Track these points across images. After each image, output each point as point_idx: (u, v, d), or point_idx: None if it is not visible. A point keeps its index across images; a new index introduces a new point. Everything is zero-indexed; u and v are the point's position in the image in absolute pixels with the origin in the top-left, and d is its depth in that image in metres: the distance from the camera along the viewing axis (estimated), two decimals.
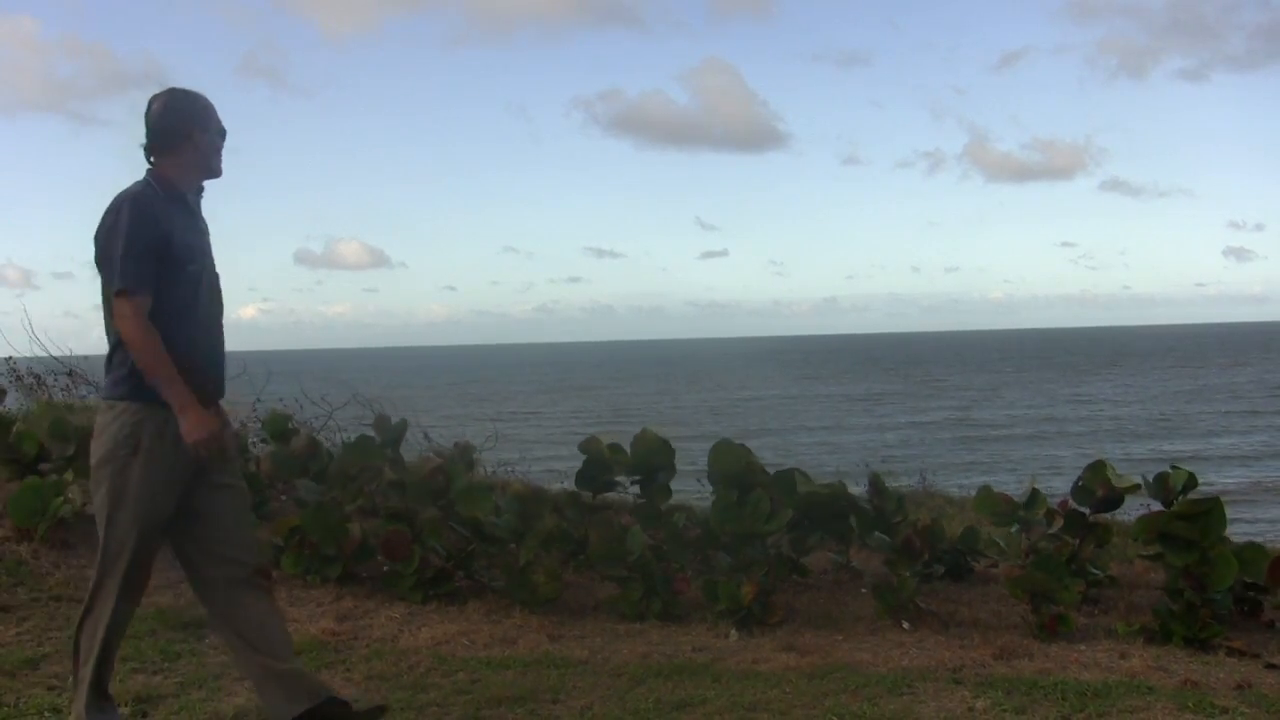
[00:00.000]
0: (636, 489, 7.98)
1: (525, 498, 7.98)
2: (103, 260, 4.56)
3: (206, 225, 4.85)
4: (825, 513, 7.51)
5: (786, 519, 7.23)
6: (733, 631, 6.73)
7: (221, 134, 4.82)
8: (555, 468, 13.78)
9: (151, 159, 4.73)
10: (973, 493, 9.18)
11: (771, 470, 7.56)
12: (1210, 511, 6.92)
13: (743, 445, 7.53)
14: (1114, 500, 7.56)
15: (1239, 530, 7.59)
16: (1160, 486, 7.45)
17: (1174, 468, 7.56)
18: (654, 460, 7.78)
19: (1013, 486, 8.68)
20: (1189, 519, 6.91)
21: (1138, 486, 7.49)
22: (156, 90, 4.76)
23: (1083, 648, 6.49)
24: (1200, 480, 7.46)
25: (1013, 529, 7.98)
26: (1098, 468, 7.60)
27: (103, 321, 4.68)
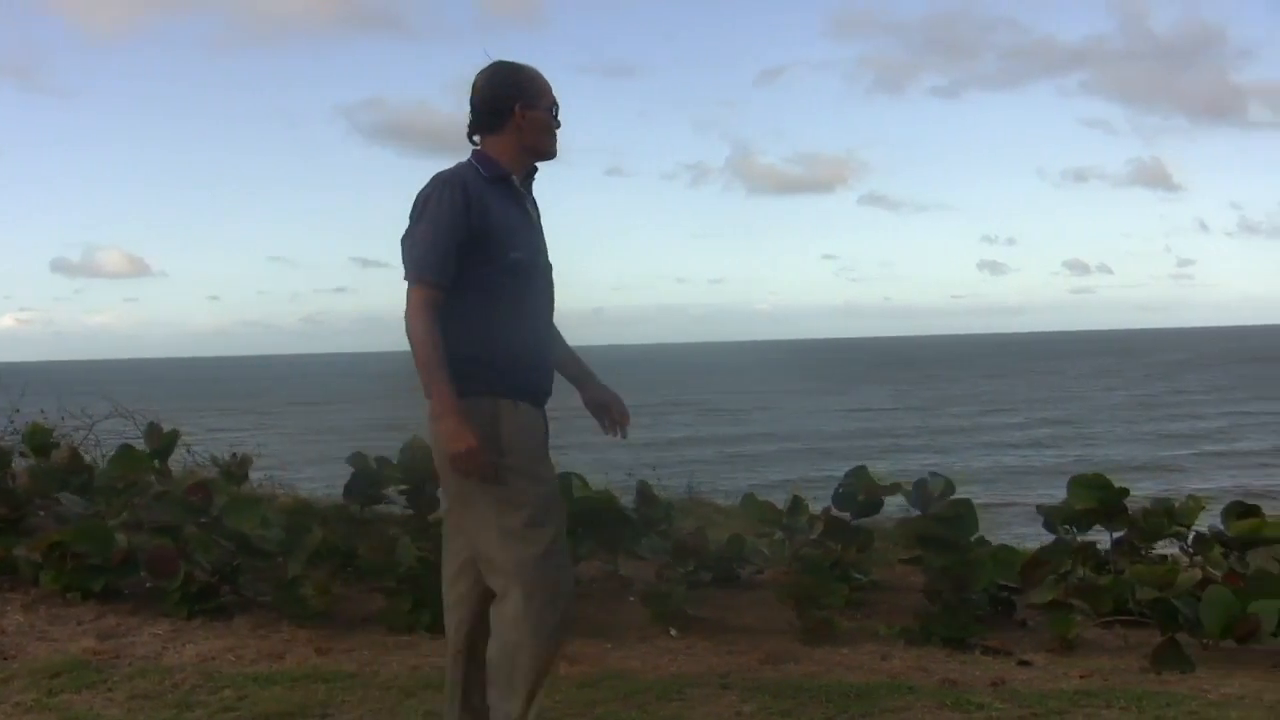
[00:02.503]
0: (405, 500, 7.93)
1: (293, 510, 7.88)
2: (402, 244, 4.29)
3: (538, 212, 4.54)
4: (595, 520, 7.56)
5: None
6: None
7: (553, 110, 4.46)
8: (326, 480, 13.59)
9: (475, 139, 4.46)
10: (738, 500, 9.34)
11: None
12: (964, 515, 7.16)
13: None
14: (874, 505, 7.76)
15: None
16: (920, 493, 7.67)
17: (932, 474, 7.80)
18: (423, 469, 7.74)
19: (780, 495, 8.84)
20: (945, 522, 7.13)
21: (897, 488, 7.71)
22: None
23: (846, 650, 6.63)
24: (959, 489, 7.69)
25: (777, 535, 8.13)
26: (858, 473, 7.80)
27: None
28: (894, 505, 8.01)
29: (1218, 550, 7.42)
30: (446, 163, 4.34)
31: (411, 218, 4.28)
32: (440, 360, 4.12)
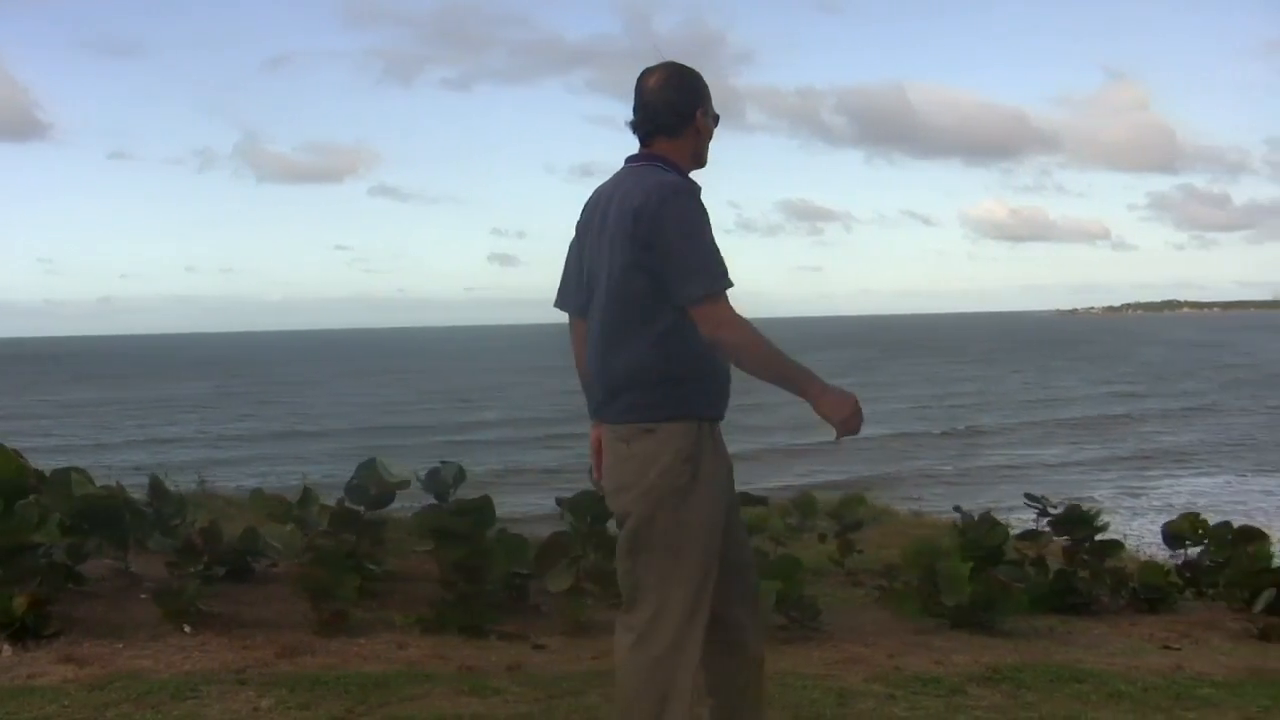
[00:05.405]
0: None
1: None
2: (678, 265, 3.86)
3: None
4: (104, 517, 7.29)
5: (56, 526, 6.95)
6: (5, 647, 6.40)
7: (717, 120, 4.20)
8: None
9: (648, 142, 4.13)
10: (250, 493, 9.25)
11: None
12: (482, 508, 7.29)
13: (14, 450, 7.21)
14: (387, 497, 7.81)
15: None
16: (434, 481, 7.76)
17: (444, 462, 7.91)
18: None
19: (297, 485, 8.80)
20: (462, 514, 7.24)
21: (408, 483, 7.77)
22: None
23: (364, 641, 6.66)
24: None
25: (289, 528, 8.07)
26: (370, 466, 7.82)
27: (600, 331, 4.07)
28: (411, 497, 8.07)
29: None
30: None
31: (672, 235, 3.91)
32: (781, 352, 3.88)
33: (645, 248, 3.92)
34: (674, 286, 3.90)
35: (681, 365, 3.96)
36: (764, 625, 4.49)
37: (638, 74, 4.16)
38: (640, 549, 4.01)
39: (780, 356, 3.88)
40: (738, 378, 4.08)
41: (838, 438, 3.94)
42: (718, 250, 3.94)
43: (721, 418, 4.14)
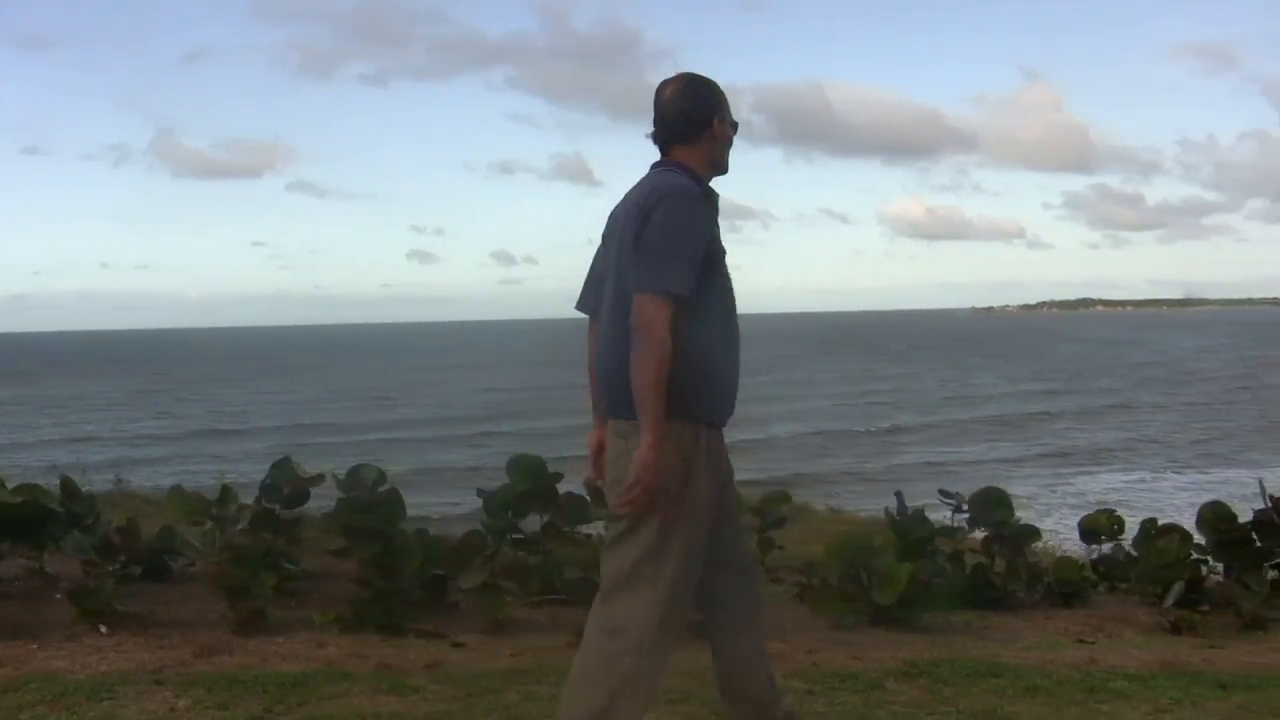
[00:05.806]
0: None
1: None
2: (643, 256, 3.96)
3: None
4: (16, 520, 7.21)
5: None
6: None
7: (735, 127, 4.31)
8: None
9: (666, 150, 4.24)
10: (167, 492, 9.18)
11: None
12: (389, 501, 7.28)
13: None
14: (302, 495, 7.79)
15: (413, 511, 8.09)
16: (353, 482, 7.73)
17: (364, 465, 7.88)
18: None
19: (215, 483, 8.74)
20: (372, 510, 7.22)
21: (321, 478, 7.76)
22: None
23: (282, 640, 6.61)
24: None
25: (207, 526, 8.02)
26: (283, 464, 7.79)
27: (608, 331, 4.15)
28: (330, 495, 8.05)
29: None
30: None
31: (651, 229, 4.00)
32: (664, 390, 3.89)
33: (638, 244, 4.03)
34: (634, 269, 3.98)
35: (684, 366, 3.96)
36: (764, 626, 4.51)
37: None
38: (625, 543, 4.04)
39: (661, 391, 3.87)
40: (740, 383, 4.23)
41: (628, 490, 3.91)
42: (691, 259, 3.98)
43: (721, 424, 4.21)
